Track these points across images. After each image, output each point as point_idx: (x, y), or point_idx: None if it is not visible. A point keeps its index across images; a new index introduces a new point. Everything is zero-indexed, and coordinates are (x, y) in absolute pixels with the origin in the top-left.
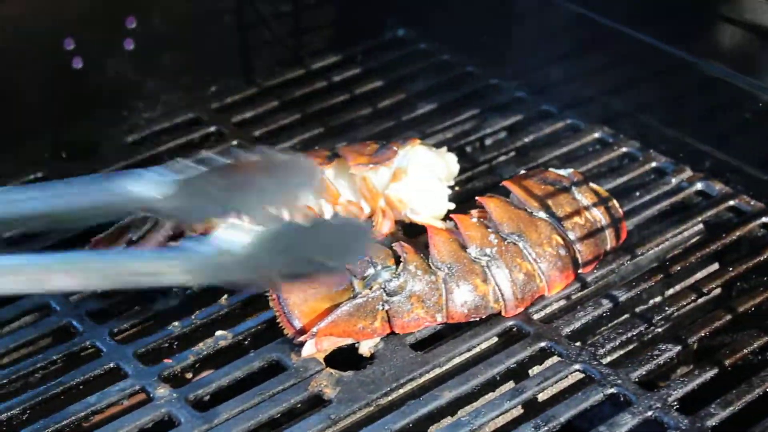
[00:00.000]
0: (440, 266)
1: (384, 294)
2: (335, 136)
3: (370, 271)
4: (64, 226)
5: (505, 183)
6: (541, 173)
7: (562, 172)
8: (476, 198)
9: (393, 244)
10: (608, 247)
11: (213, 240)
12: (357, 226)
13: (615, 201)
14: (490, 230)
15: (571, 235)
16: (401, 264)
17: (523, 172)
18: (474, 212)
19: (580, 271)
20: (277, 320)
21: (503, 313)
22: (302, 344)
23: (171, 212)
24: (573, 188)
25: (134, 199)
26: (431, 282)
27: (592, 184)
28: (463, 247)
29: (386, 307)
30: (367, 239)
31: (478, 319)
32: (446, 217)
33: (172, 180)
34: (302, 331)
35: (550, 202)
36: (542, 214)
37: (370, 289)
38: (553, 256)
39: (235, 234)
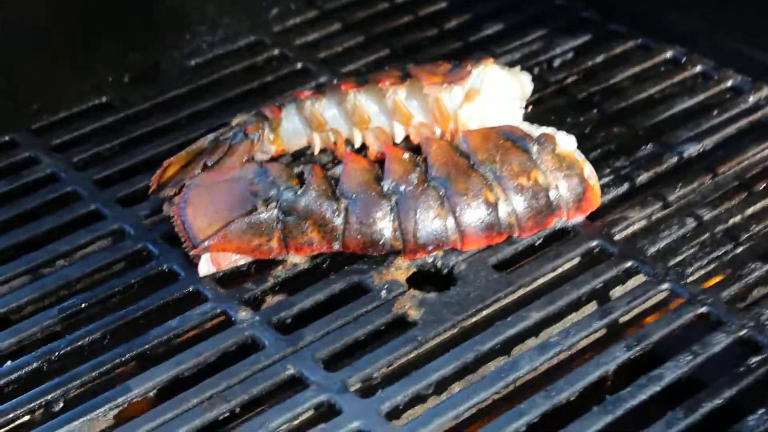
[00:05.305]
0: (346, 194)
1: (280, 213)
2: (400, 57)
3: (273, 192)
4: None
5: (464, 132)
6: (508, 128)
7: (533, 129)
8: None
9: (305, 167)
10: (564, 216)
11: None
12: None
13: (586, 169)
14: (418, 169)
15: (511, 195)
16: (304, 186)
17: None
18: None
19: (516, 235)
20: (176, 232)
21: (402, 255)
22: (199, 259)
23: None
24: (534, 148)
25: None
26: (332, 208)
27: (564, 149)
28: (379, 180)
29: (281, 226)
30: None
31: (375, 254)
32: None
33: None
34: (199, 246)
35: (497, 157)
36: (484, 168)
37: (266, 207)
38: (476, 212)
39: None
